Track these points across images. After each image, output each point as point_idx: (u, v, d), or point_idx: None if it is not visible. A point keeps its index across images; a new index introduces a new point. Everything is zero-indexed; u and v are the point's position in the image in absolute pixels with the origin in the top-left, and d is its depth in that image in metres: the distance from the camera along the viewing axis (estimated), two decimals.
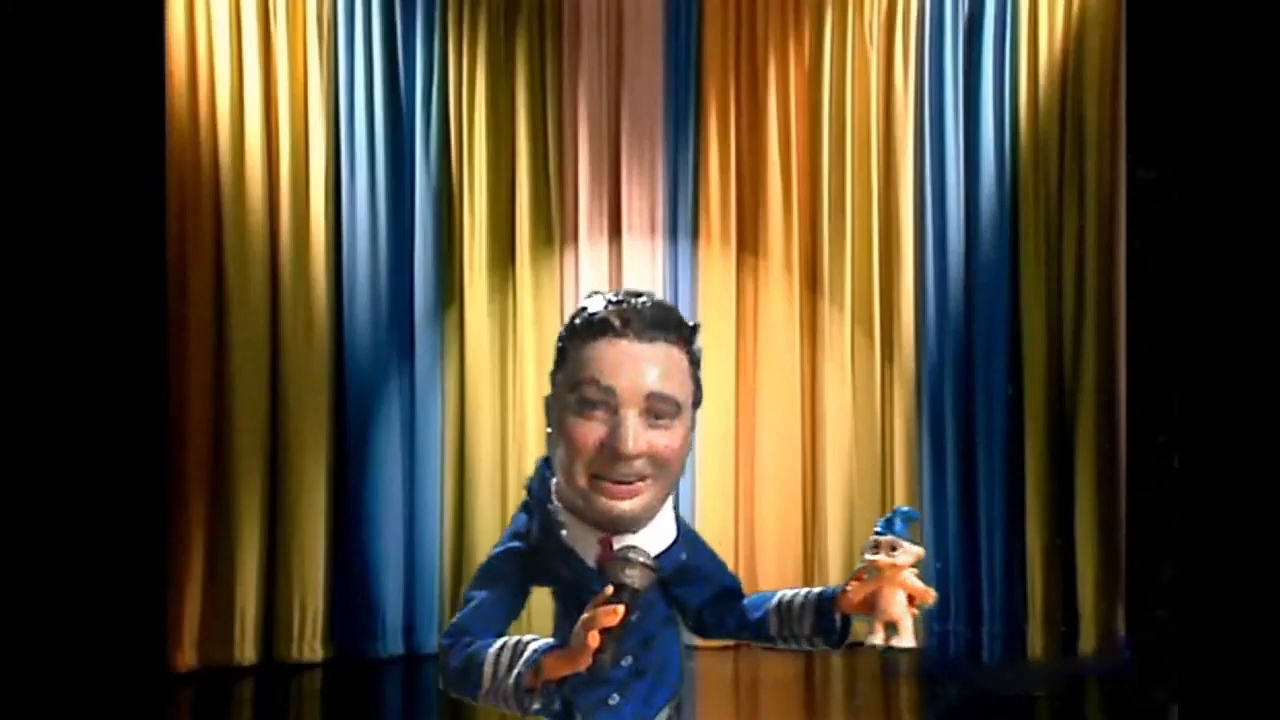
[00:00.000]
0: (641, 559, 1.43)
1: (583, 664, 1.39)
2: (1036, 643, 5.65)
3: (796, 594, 1.64)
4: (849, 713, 5.12)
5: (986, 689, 5.29)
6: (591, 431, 1.49)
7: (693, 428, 1.58)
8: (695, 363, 1.58)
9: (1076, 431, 5.69)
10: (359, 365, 5.67)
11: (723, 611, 1.67)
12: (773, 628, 1.64)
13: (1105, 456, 5.63)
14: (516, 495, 5.72)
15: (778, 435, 5.86)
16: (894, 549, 1.51)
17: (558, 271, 5.85)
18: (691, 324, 1.59)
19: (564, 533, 1.56)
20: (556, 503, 1.58)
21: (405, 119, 5.79)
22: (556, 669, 1.42)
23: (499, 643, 1.49)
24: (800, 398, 5.86)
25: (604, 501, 1.51)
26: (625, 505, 1.51)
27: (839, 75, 5.90)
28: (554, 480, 1.59)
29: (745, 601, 1.68)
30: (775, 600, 1.65)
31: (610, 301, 1.54)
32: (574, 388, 1.51)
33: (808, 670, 5.45)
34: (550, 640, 1.46)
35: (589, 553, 1.55)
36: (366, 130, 5.72)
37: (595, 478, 1.51)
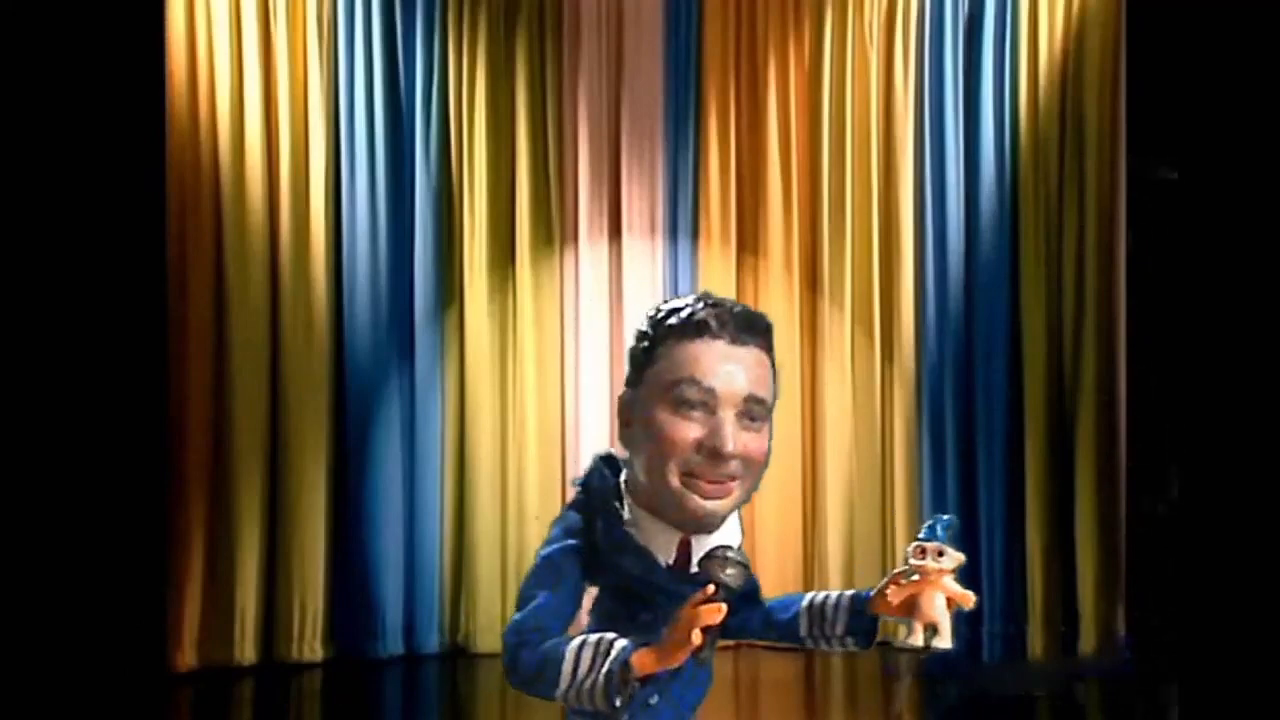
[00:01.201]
0: (739, 558, 1.46)
1: (677, 661, 1.41)
2: (1036, 643, 5.65)
3: (827, 596, 1.69)
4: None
5: (986, 689, 5.29)
6: (689, 430, 1.51)
7: (773, 429, 1.61)
8: (775, 368, 1.60)
9: (1076, 431, 5.69)
10: (359, 365, 5.67)
11: (747, 612, 1.68)
12: (803, 629, 1.68)
13: (1105, 457, 5.63)
14: (517, 495, 5.78)
15: (778, 435, 5.82)
16: (940, 554, 1.57)
17: (558, 271, 5.85)
18: (772, 327, 1.61)
19: (633, 531, 1.56)
20: (626, 499, 1.59)
21: (405, 119, 5.78)
22: (648, 665, 1.42)
23: (578, 639, 1.49)
24: (800, 398, 5.86)
25: (696, 501, 1.52)
26: (717, 504, 1.53)
27: (839, 75, 5.90)
28: (621, 477, 1.60)
29: (771, 602, 1.72)
30: (805, 602, 1.70)
31: (707, 303, 1.56)
32: (671, 386, 1.52)
33: (808, 670, 5.46)
34: (632, 639, 1.45)
35: (665, 552, 1.56)
36: (366, 130, 5.72)
37: (689, 475, 1.52)
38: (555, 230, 5.85)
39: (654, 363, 1.56)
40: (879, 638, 1.67)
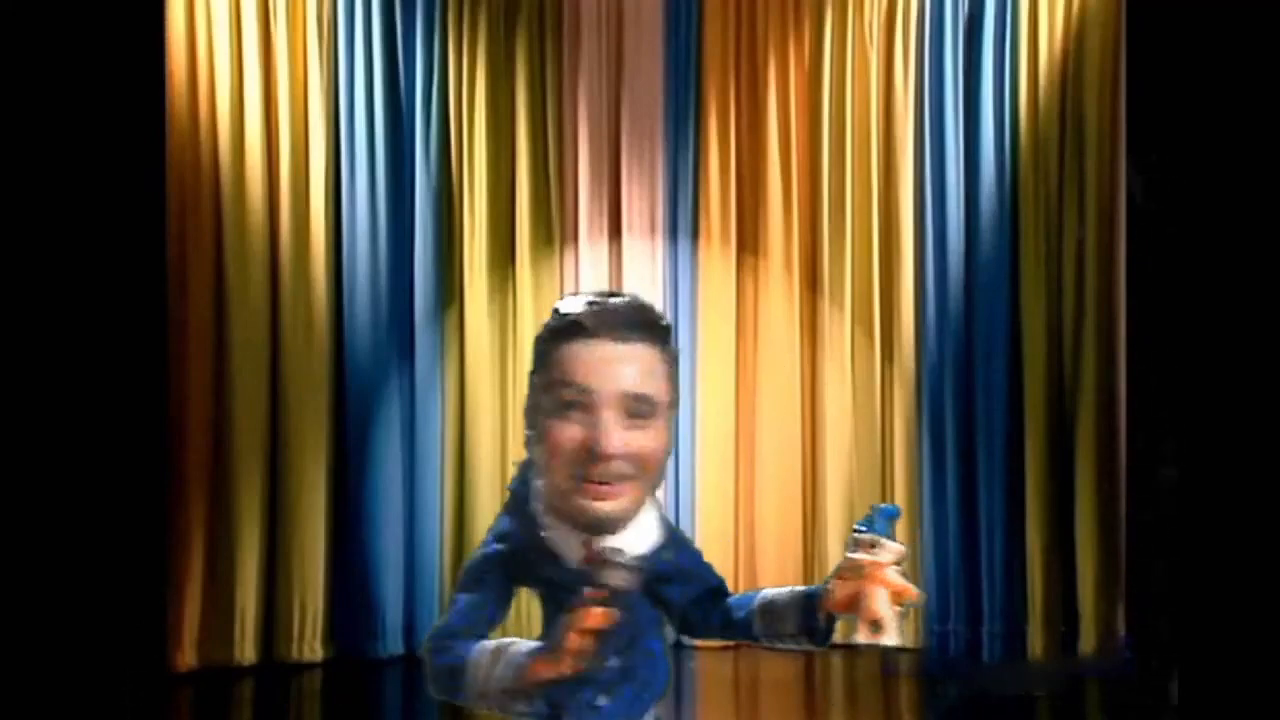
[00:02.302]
0: (624, 560, 1.43)
1: (566, 666, 1.39)
2: (1036, 643, 5.65)
3: (780, 593, 1.63)
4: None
5: (986, 689, 5.29)
6: (570, 432, 1.49)
7: (673, 428, 1.58)
8: (671, 363, 1.57)
9: (1076, 431, 5.69)
10: (359, 365, 5.67)
11: (707, 610, 1.65)
12: (756, 627, 1.63)
13: (1105, 457, 5.63)
14: None
15: (778, 435, 5.86)
16: (874, 546, 1.50)
17: (558, 271, 5.85)
18: (666, 324, 1.58)
19: (545, 534, 1.55)
20: (538, 504, 1.58)
21: (405, 119, 5.79)
22: (541, 671, 1.42)
23: (483, 645, 1.49)
24: (800, 398, 5.86)
25: (584, 502, 1.51)
26: (605, 506, 1.51)
27: (839, 75, 5.90)
28: (536, 482, 1.59)
29: (730, 600, 1.66)
30: (759, 599, 1.63)
31: (586, 302, 1.54)
32: (551, 389, 1.52)
33: (808, 670, 5.45)
34: (536, 643, 1.45)
35: (571, 554, 1.54)
36: (366, 130, 5.72)
37: (575, 479, 1.50)
38: (555, 230, 5.85)
39: (542, 367, 1.55)
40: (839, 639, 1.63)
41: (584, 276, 5.83)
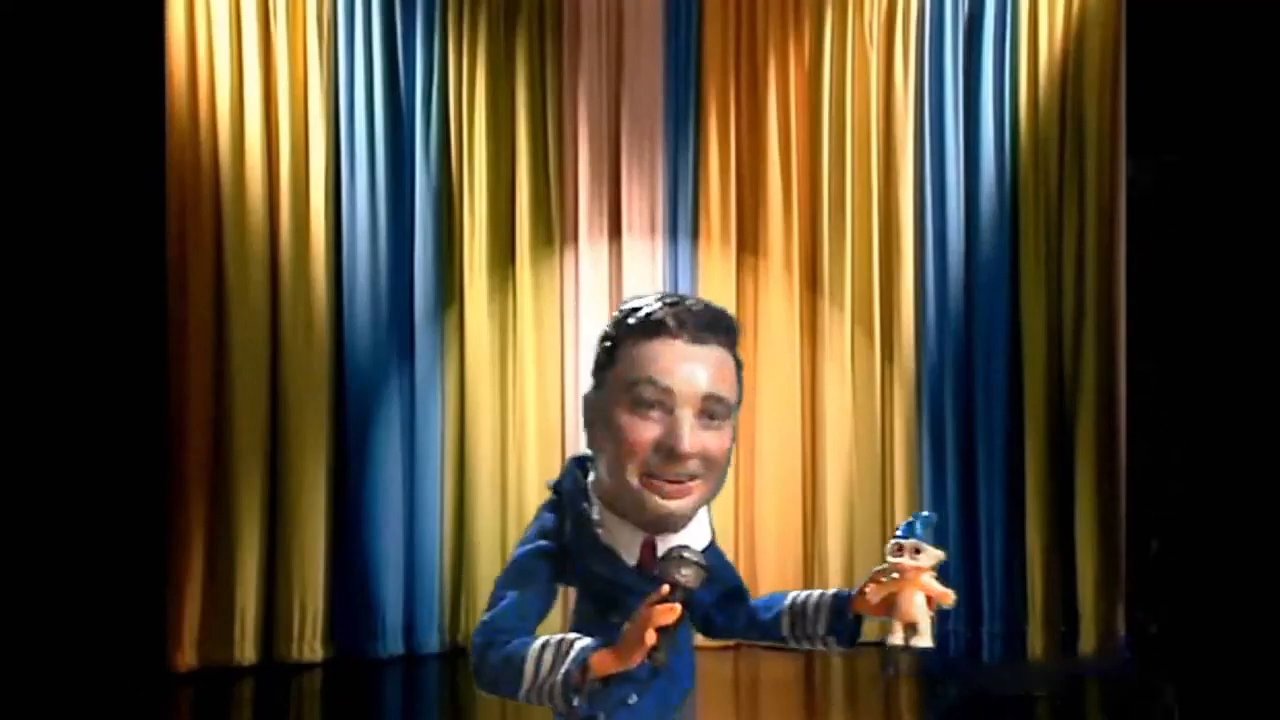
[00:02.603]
0: (695, 558, 1.45)
1: (634, 661, 1.40)
2: (1036, 643, 5.65)
3: (809, 595, 1.67)
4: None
5: (986, 689, 5.29)
6: (647, 430, 1.51)
7: (737, 429, 1.60)
8: (739, 366, 1.59)
9: (1076, 431, 5.69)
10: (359, 365, 5.67)
11: (732, 611, 1.68)
12: (785, 628, 1.67)
13: (1105, 457, 5.63)
14: (517, 495, 5.77)
15: (778, 435, 5.86)
16: (917, 552, 1.55)
17: (558, 271, 5.85)
18: (738, 327, 1.61)
19: (600, 531, 1.56)
20: (592, 501, 1.59)
21: (405, 119, 5.78)
22: (606, 666, 1.42)
23: (540, 641, 1.49)
24: (800, 398, 5.86)
25: (656, 500, 1.52)
26: (676, 504, 1.53)
27: (839, 75, 5.90)
28: (589, 478, 1.60)
29: (755, 602, 1.69)
30: (788, 601, 1.68)
31: (665, 302, 1.55)
32: (629, 387, 1.53)
33: (808, 670, 5.45)
34: (593, 639, 1.45)
35: (629, 552, 1.56)
36: (366, 130, 5.71)
37: (649, 475, 1.52)
38: (555, 230, 5.85)
39: (615, 363, 1.56)
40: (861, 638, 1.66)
41: (584, 276, 5.82)
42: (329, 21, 5.68)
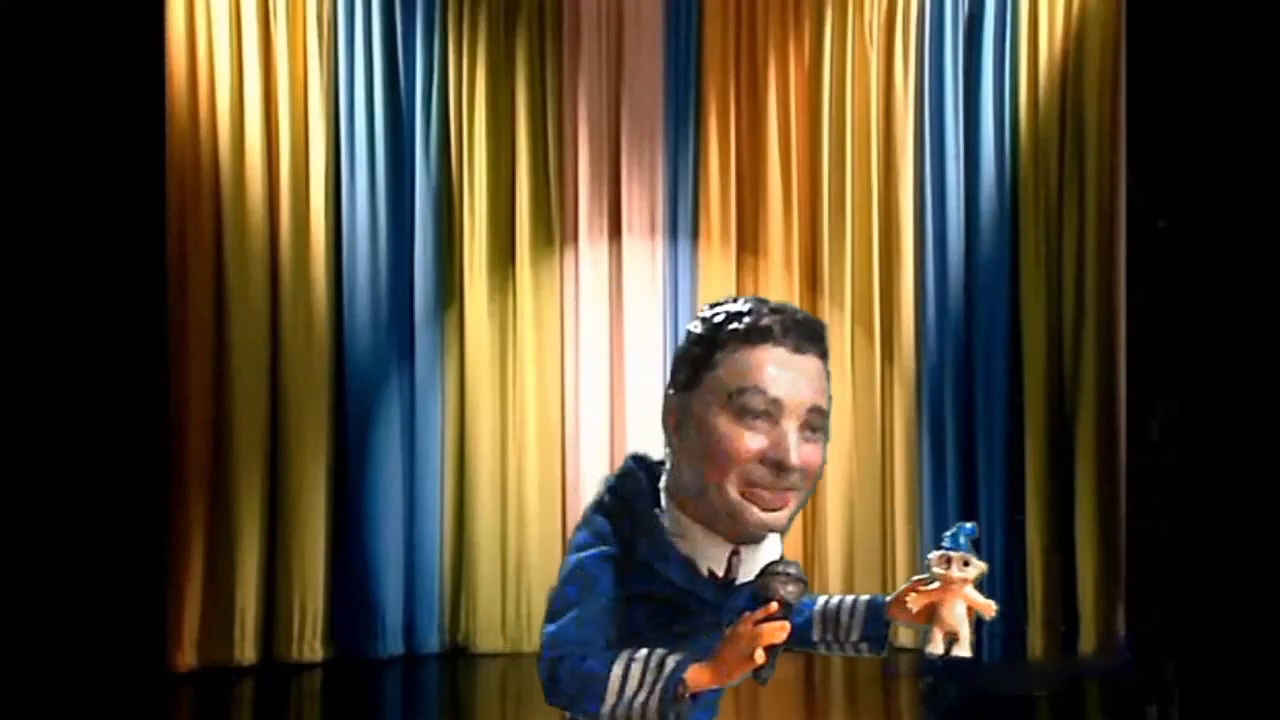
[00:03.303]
0: (798, 574, 1.43)
1: (735, 678, 1.39)
2: (1036, 643, 5.65)
3: (841, 600, 1.66)
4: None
5: (986, 689, 5.28)
6: (753, 440, 1.46)
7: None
8: (829, 376, 1.56)
9: (1076, 431, 5.69)
10: (359, 365, 5.67)
11: None
12: (816, 634, 1.66)
13: (1105, 457, 5.63)
14: (517, 495, 5.76)
15: None
16: (965, 564, 1.55)
17: (558, 271, 5.85)
18: (827, 336, 1.58)
19: (676, 540, 1.51)
20: (668, 507, 1.53)
21: (405, 119, 5.79)
22: (705, 682, 1.40)
23: (625, 656, 1.44)
24: None
25: (755, 513, 1.47)
26: (777, 516, 1.49)
27: (839, 75, 5.90)
28: (662, 482, 1.54)
29: None
30: (818, 606, 1.66)
31: (769, 309, 1.51)
32: (733, 395, 1.47)
33: (808, 670, 5.45)
34: (683, 655, 1.42)
35: (715, 563, 1.51)
36: (366, 130, 5.72)
37: (751, 485, 1.46)
38: (555, 230, 5.85)
39: (713, 368, 1.49)
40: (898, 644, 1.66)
41: (584, 276, 5.83)
42: (329, 21, 5.68)
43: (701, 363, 1.51)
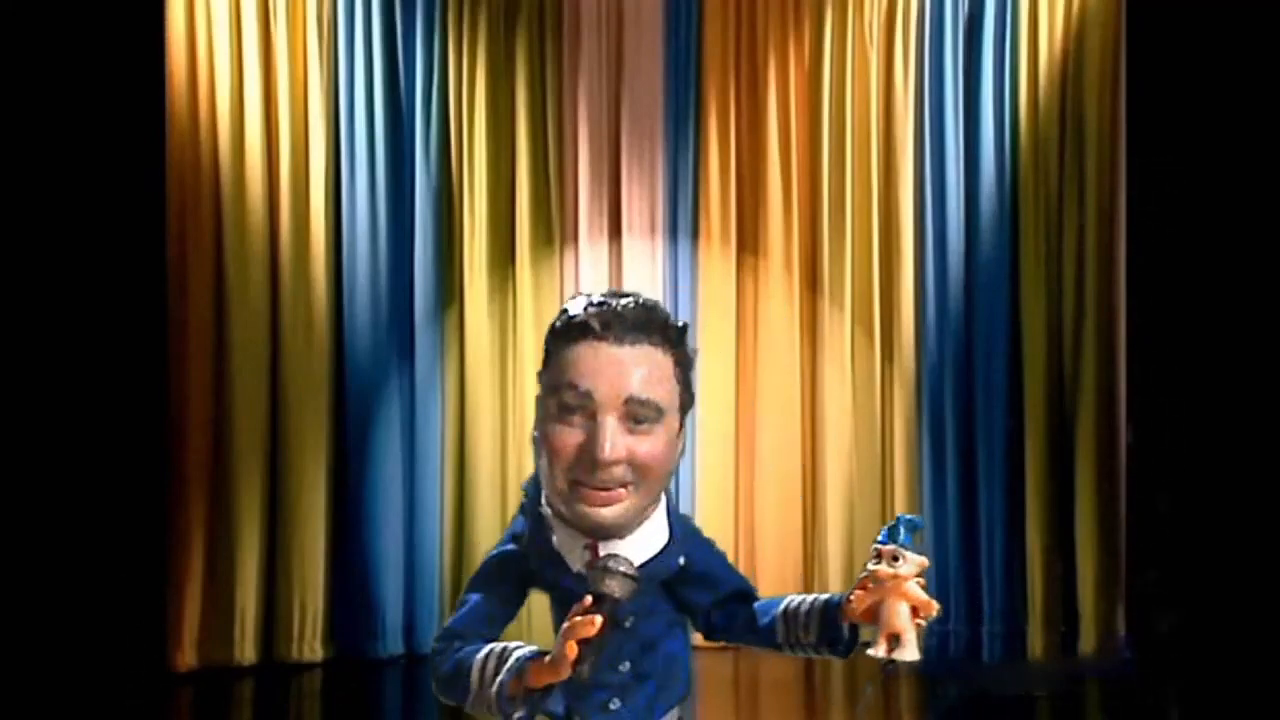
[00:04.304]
0: (622, 568, 1.41)
1: (563, 673, 1.37)
2: (1036, 643, 5.65)
3: (803, 600, 1.61)
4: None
5: (986, 689, 5.29)
6: (570, 437, 1.47)
7: (681, 432, 1.55)
8: (683, 365, 1.54)
9: (1076, 431, 5.69)
10: (359, 365, 5.67)
11: (732, 615, 1.64)
12: (779, 635, 1.61)
13: (1105, 457, 5.63)
14: (516, 495, 5.72)
15: (778, 435, 5.86)
16: (895, 559, 1.47)
17: (558, 271, 5.85)
18: (680, 325, 1.55)
19: (553, 538, 1.54)
20: (547, 507, 1.56)
21: (405, 119, 5.78)
22: (539, 677, 1.40)
23: (486, 649, 1.47)
24: (800, 398, 5.86)
25: (583, 508, 1.49)
26: (605, 512, 1.49)
27: (839, 75, 5.90)
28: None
29: (756, 605, 1.64)
30: (782, 607, 1.61)
31: (591, 303, 1.51)
32: (554, 391, 1.49)
33: (808, 670, 5.45)
34: (535, 647, 1.44)
35: (576, 558, 1.53)
36: (366, 130, 5.71)
37: (575, 484, 1.48)
38: (555, 230, 5.85)
39: (547, 368, 1.52)
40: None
41: (584, 276, 5.82)
42: (329, 21, 5.68)
43: (543, 367, 1.54)
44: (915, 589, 1.47)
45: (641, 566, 1.48)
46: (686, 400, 1.55)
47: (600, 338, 1.47)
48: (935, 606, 1.48)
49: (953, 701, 5.14)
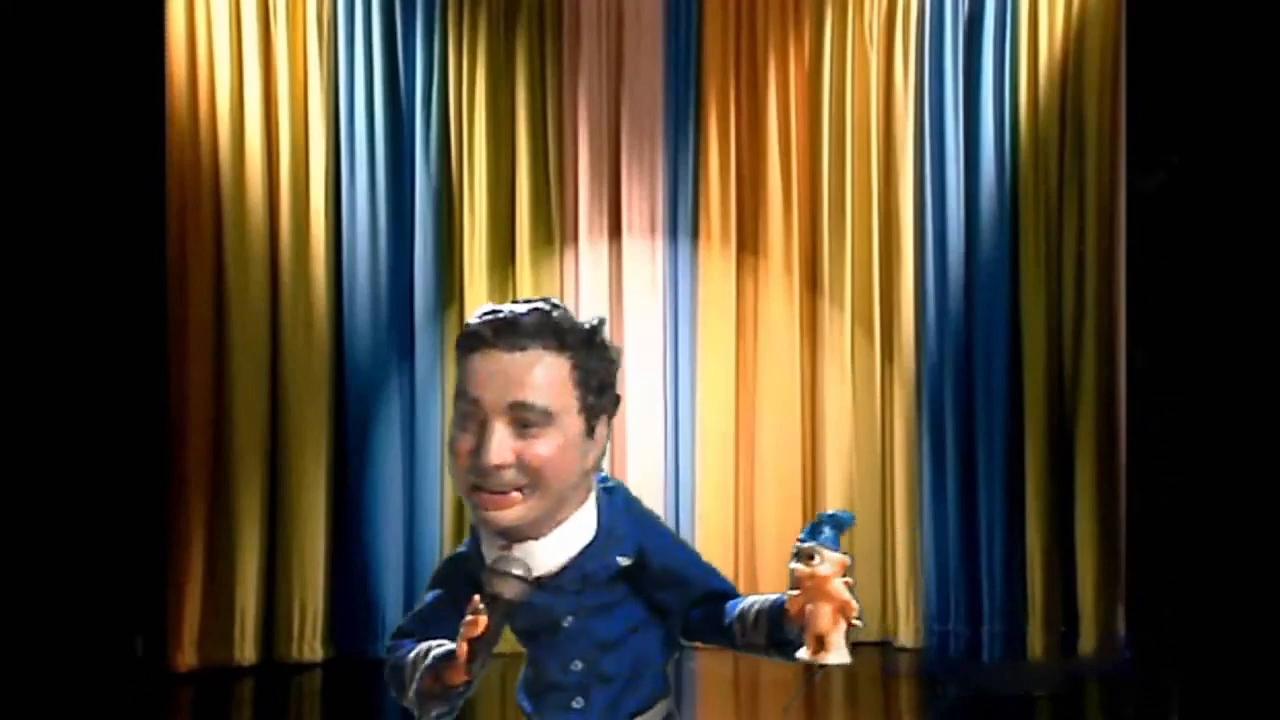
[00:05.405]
0: (515, 570, 1.44)
1: (461, 674, 1.40)
2: (1036, 643, 5.64)
3: (754, 602, 1.58)
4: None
5: (986, 689, 5.29)
6: (465, 443, 1.50)
7: (590, 435, 1.53)
8: (585, 368, 1.52)
9: (1076, 431, 5.69)
10: (359, 365, 5.67)
11: (705, 616, 1.63)
12: (737, 636, 1.59)
13: (1105, 457, 5.63)
14: None
15: (778, 435, 5.86)
16: (812, 558, 1.43)
17: (558, 271, 5.85)
18: (586, 327, 1.55)
19: (483, 542, 1.56)
20: None
21: (405, 119, 5.78)
22: (448, 676, 1.42)
23: (417, 648, 1.51)
24: (800, 398, 5.86)
25: (482, 512, 1.51)
26: (501, 515, 1.50)
27: (839, 75, 5.90)
28: None
29: (727, 605, 1.62)
30: (739, 607, 1.60)
31: (488, 312, 1.54)
32: (456, 400, 1.53)
33: (807, 670, 5.44)
34: (451, 646, 1.44)
35: (499, 562, 1.53)
36: (366, 130, 5.71)
37: (473, 488, 1.51)
38: (555, 230, 5.84)
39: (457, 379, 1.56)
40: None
41: (584, 276, 5.83)
42: (329, 21, 5.68)
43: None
44: (838, 588, 1.41)
45: (567, 567, 1.52)
46: (593, 402, 1.53)
47: (491, 345, 1.50)
48: (855, 607, 1.44)
49: (953, 701, 5.14)
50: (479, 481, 1.49)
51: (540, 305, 1.55)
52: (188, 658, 5.38)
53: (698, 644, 1.70)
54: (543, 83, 5.84)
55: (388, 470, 5.65)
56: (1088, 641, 5.59)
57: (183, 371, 5.44)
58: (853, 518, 1.55)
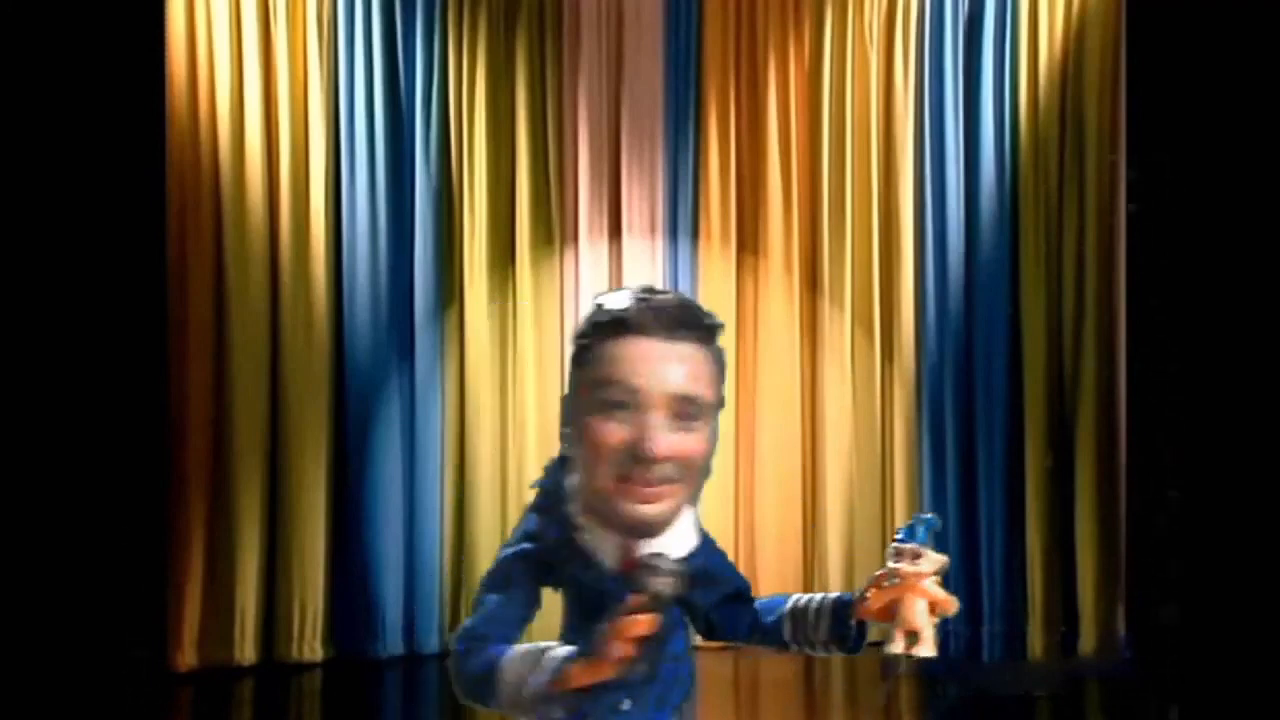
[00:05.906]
0: (671, 566, 1.39)
1: (609, 673, 1.35)
2: (1036, 643, 5.65)
3: (811, 599, 1.61)
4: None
5: (986, 689, 5.28)
6: (616, 433, 1.45)
7: (717, 429, 1.54)
8: (719, 363, 1.52)
9: (1076, 431, 5.69)
10: (359, 365, 5.67)
11: (733, 614, 1.64)
12: (787, 633, 1.61)
13: (1105, 457, 5.63)
14: (517, 495, 5.78)
15: (778, 435, 5.86)
16: (917, 557, 1.49)
17: (558, 271, 5.85)
18: (717, 323, 1.53)
19: (581, 536, 1.52)
20: (573, 505, 1.54)
21: (405, 119, 5.78)
22: (581, 677, 1.37)
23: (518, 650, 1.46)
24: (800, 398, 5.86)
25: (629, 505, 1.47)
26: (650, 509, 1.47)
27: (839, 75, 5.90)
28: (570, 481, 1.55)
29: (757, 604, 1.64)
30: (789, 605, 1.61)
31: (634, 297, 1.49)
32: (597, 387, 1.46)
33: (807, 670, 5.45)
34: (571, 648, 1.41)
35: (610, 557, 1.51)
36: (366, 130, 5.71)
37: (619, 480, 1.46)
38: (555, 230, 5.85)
39: (587, 364, 1.50)
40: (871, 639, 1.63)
41: (584, 276, 5.82)
42: (329, 21, 5.68)
43: (577, 361, 1.52)
44: (934, 586, 1.49)
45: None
46: (721, 398, 1.53)
47: (642, 332, 1.46)
48: (954, 603, 1.51)
49: (953, 701, 5.14)
50: (631, 473, 1.45)
51: (675, 294, 1.52)
52: (188, 658, 5.38)
53: (707, 642, 1.70)
54: (543, 83, 5.84)
55: (388, 470, 5.65)
56: (1088, 641, 5.59)
57: (183, 371, 5.44)
58: (939, 523, 1.56)
